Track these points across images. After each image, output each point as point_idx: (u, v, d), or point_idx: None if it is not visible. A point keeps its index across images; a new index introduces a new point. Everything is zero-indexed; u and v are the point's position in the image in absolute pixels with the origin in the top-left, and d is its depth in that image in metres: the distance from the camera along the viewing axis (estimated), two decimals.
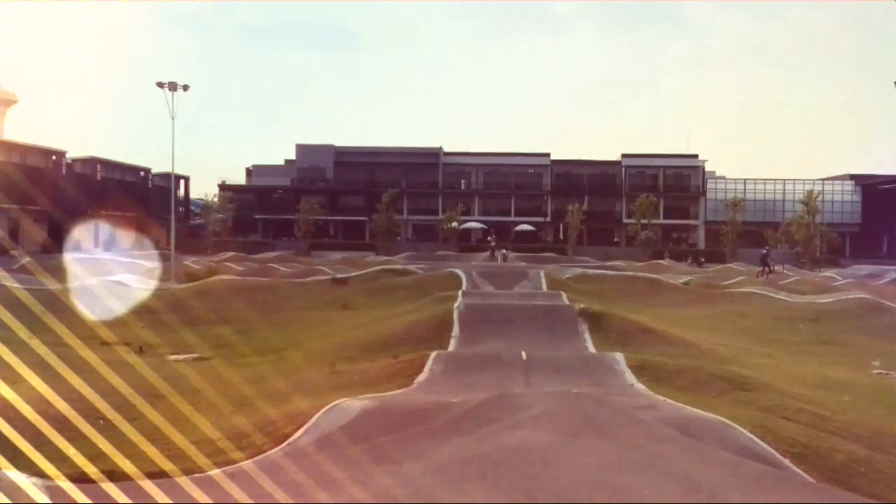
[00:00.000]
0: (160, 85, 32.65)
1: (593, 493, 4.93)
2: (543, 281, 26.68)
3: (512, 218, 67.88)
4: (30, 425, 8.32)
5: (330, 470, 5.99)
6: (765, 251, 39.06)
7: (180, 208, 56.77)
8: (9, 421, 8.16)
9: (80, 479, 6.81)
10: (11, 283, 23.77)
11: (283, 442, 7.62)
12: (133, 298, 21.88)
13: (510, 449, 5.87)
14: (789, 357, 15.55)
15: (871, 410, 10.67)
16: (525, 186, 70.06)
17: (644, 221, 59.08)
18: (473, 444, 6.18)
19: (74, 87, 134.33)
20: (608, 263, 42.61)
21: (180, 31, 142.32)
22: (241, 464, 7.07)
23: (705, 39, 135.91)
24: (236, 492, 5.72)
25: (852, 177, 69.72)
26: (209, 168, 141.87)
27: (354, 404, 8.55)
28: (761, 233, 62.42)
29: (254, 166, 72.44)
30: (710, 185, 69.28)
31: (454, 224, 60.41)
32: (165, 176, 54.91)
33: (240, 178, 71.56)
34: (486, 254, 49.17)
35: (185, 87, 33.01)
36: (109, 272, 28.98)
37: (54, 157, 49.47)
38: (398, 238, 62.33)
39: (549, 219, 68.21)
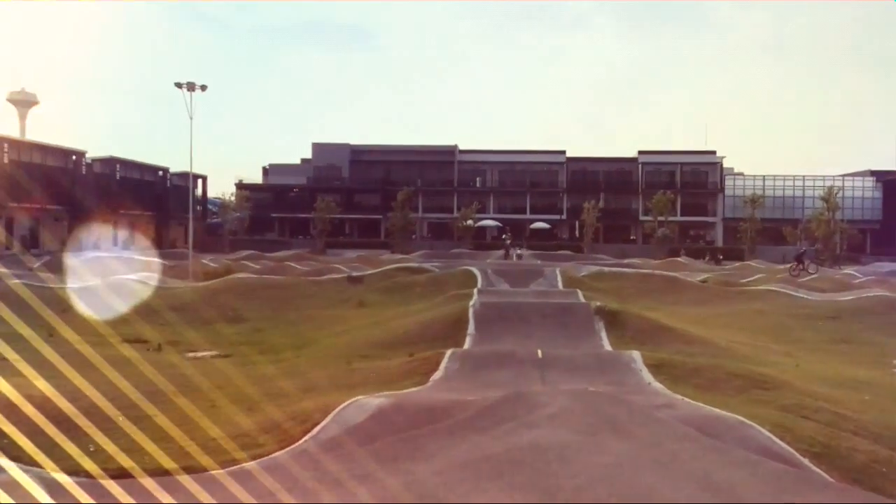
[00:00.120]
0: (178, 85, 32.88)
1: (611, 492, 4.91)
2: (559, 279, 26.60)
3: (527, 216, 67.67)
4: (52, 420, 8.46)
5: (348, 466, 6.02)
6: (802, 250, 38.54)
7: (198, 207, 57.15)
8: (31, 416, 8.30)
9: (102, 473, 6.90)
10: (33, 282, 24.14)
11: (301, 438, 7.67)
12: (151, 296, 22.12)
13: (527, 447, 5.86)
14: (808, 355, 15.38)
15: (893, 409, 10.52)
16: (540, 184, 69.80)
17: (661, 219, 58.59)
18: (490, 442, 6.18)
19: (94, 87, 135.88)
20: (624, 261, 42.35)
21: (198, 32, 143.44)
22: (261, 460, 7.13)
23: (723, 35, 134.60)
24: (256, 486, 5.77)
25: (873, 173, 68.71)
26: (226, 167, 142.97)
27: (371, 402, 8.59)
28: (780, 230, 61.74)
29: (270, 165, 72.86)
30: (728, 181, 68.60)
31: (469, 222, 60.32)
32: (183, 175, 55.32)
33: (257, 177, 72.02)
34: (502, 252, 49.09)
35: (203, 87, 33.22)
36: (128, 271, 29.32)
37: (74, 157, 50.00)
38: (413, 236, 62.37)
39: (564, 216, 67.92)
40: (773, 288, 26.35)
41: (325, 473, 6.06)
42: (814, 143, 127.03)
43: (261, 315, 19.97)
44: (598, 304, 17.81)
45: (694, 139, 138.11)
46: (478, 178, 70.50)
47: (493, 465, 5.49)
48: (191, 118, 33.17)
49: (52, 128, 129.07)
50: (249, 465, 7.01)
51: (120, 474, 6.90)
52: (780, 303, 23.07)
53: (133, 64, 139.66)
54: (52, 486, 6.16)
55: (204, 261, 36.47)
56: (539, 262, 39.95)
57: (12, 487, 5.71)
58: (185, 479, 6.43)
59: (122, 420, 9.03)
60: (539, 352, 12.55)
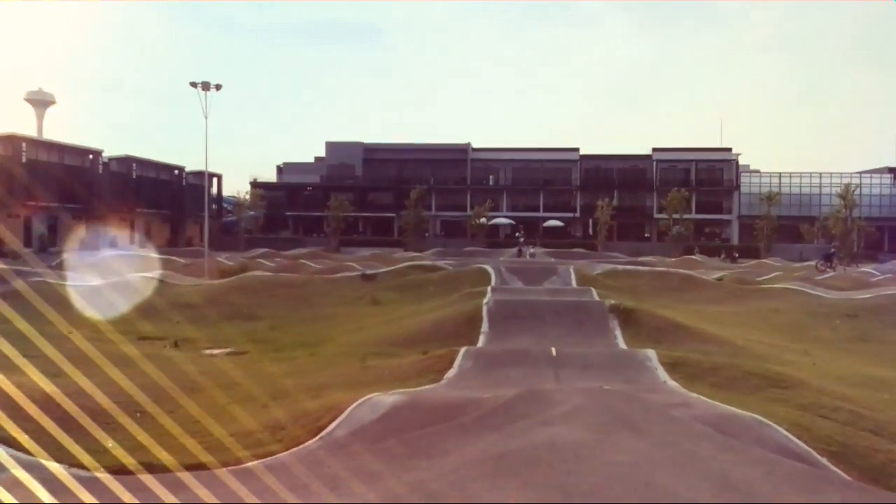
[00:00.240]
0: (193, 84, 33.10)
1: (628, 491, 4.89)
2: (573, 277, 26.50)
3: (541, 213, 67.47)
4: (69, 417, 8.55)
5: (363, 463, 6.04)
6: (832, 249, 38.07)
7: (213, 206, 57.59)
8: (49, 413, 8.40)
9: (120, 470, 6.97)
10: (51, 280, 24.43)
11: (316, 435, 7.71)
12: (168, 294, 22.31)
13: (542, 445, 5.84)
14: (826, 354, 15.22)
15: None
16: (554, 182, 69.58)
17: (676, 216, 58.17)
18: (504, 439, 6.17)
19: (109, 87, 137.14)
20: (639, 259, 42.13)
21: (213, 32, 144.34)
22: (276, 456, 7.17)
23: (738, 31, 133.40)
24: (272, 483, 5.80)
25: (890, 170, 67.81)
26: (241, 166, 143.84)
27: (385, 399, 8.61)
28: (797, 227, 61.13)
29: (284, 164, 73.20)
30: (744, 178, 67.98)
31: (482, 220, 60.28)
32: (199, 174, 55.77)
33: (271, 176, 72.45)
34: (515, 250, 48.99)
35: (218, 87, 33.43)
36: (145, 269, 29.59)
37: (91, 157, 50.53)
38: (426, 234, 62.42)
39: (578, 214, 67.66)
40: (790, 286, 26.08)
41: (339, 470, 6.08)
42: (830, 140, 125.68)
43: (275, 313, 20.08)
44: (613, 302, 17.73)
45: (709, 136, 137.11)
46: (491, 177, 70.40)
47: (508, 463, 5.48)
48: (206, 117, 33.42)
49: (68, 127, 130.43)
50: (264, 462, 7.05)
51: (120, 470, 6.98)
52: (797, 301, 22.84)
53: (149, 64, 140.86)
54: (65, 482, 6.22)
55: (219, 259, 36.72)
56: (553, 260, 39.82)
57: (31, 482, 5.77)
58: (196, 477, 6.47)
59: (134, 417, 9.12)
60: (553, 350, 12.52)
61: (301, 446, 7.44)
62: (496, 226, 64.13)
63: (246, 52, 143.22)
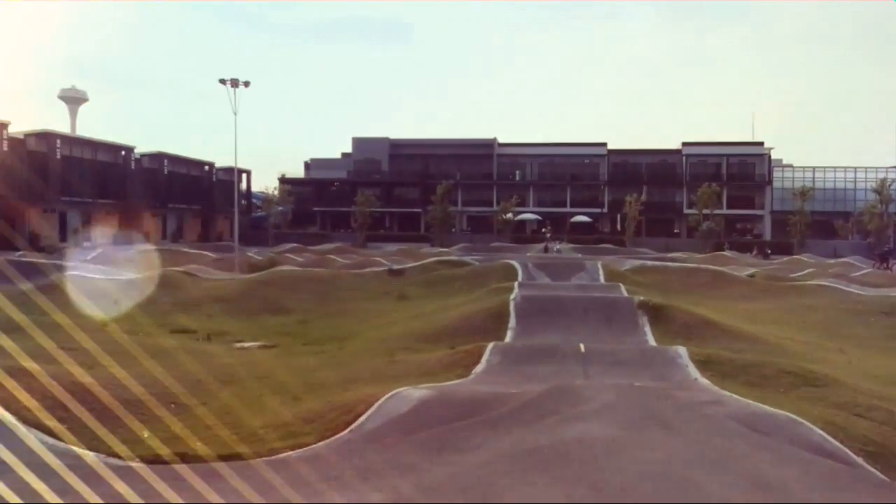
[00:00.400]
0: (223, 82, 33.51)
1: (659, 489, 4.84)
2: (601, 272, 26.30)
3: (567, 209, 67.02)
4: (105, 408, 8.75)
5: (392, 457, 6.08)
6: (889, 247, 37.17)
7: (242, 201, 58.26)
8: (85, 403, 8.60)
9: (154, 460, 7.10)
10: (85, 274, 24.98)
11: (346, 428, 7.77)
12: (199, 288, 22.68)
13: (572, 441, 5.82)
14: (861, 352, 14.90)
15: None
16: (581, 177, 69.01)
17: (706, 212, 57.28)
18: (534, 435, 6.16)
19: (140, 84, 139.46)
20: (668, 255, 41.67)
21: (242, 30, 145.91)
22: (308, 447, 7.25)
23: (770, 22, 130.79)
24: (300, 476, 5.87)
25: None
26: (270, 162, 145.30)
27: (414, 393, 8.65)
28: (831, 223, 59.84)
29: (312, 160, 73.76)
30: (776, 173, 66.68)
31: (509, 215, 60.08)
32: (228, 170, 56.44)
33: (299, 172, 73.03)
34: (542, 245, 48.77)
35: (247, 84, 33.80)
36: (176, 263, 30.10)
37: (123, 153, 51.45)
38: (453, 230, 62.44)
39: (605, 210, 67.05)
40: (825, 283, 25.57)
41: (369, 463, 6.13)
42: (865, 134, 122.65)
43: (304, 307, 20.28)
44: (642, 298, 17.56)
45: (740, 131, 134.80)
46: (517, 172, 70.12)
47: (538, 458, 5.47)
48: (235, 114, 33.83)
49: (101, 124, 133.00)
50: (295, 453, 7.14)
51: (172, 459, 7.09)
52: (832, 298, 22.38)
53: (179, 62, 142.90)
54: (100, 472, 6.35)
55: (249, 254, 37.18)
56: (580, 255, 39.57)
57: (67, 471, 5.90)
58: (230, 467, 6.57)
59: (168, 408, 9.29)
60: (581, 346, 12.45)
61: (332, 438, 7.52)
62: (523, 221, 63.88)
63: (274, 48, 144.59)
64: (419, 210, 65.76)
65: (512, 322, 15.48)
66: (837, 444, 7.20)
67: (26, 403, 8.01)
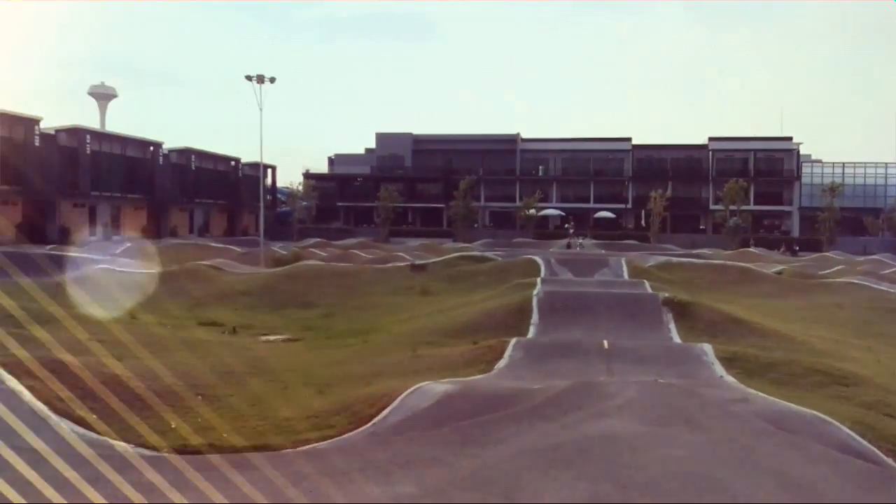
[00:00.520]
0: (249, 78, 33.77)
1: (685, 486, 4.81)
2: (625, 269, 26.10)
3: (591, 205, 66.50)
4: (135, 398, 8.92)
5: (417, 449, 6.12)
6: None
7: (268, 196, 58.76)
8: (116, 394, 8.79)
9: (183, 450, 7.23)
10: (115, 267, 25.45)
11: (369, 421, 7.84)
12: (226, 281, 22.98)
13: (596, 437, 5.81)
14: (891, 351, 14.61)
15: None
16: (605, 172, 68.42)
17: (733, 207, 56.43)
18: (558, 430, 6.16)
19: (168, 81, 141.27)
20: (694, 251, 41.17)
21: (267, 27, 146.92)
22: (331, 441, 7.33)
23: (798, 15, 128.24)
24: (326, 466, 5.94)
25: None
26: (294, 157, 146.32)
27: (437, 387, 8.69)
28: (861, 220, 58.64)
29: (336, 155, 74.13)
30: (805, 169, 65.46)
31: (532, 211, 59.81)
32: (254, 165, 56.90)
33: (323, 167, 73.46)
34: (565, 241, 48.50)
35: (272, 80, 34.01)
36: (204, 257, 30.51)
37: (152, 148, 52.15)
38: (475, 225, 62.34)
39: (630, 205, 66.42)
40: (854, 280, 25.11)
41: (393, 456, 6.18)
42: None
43: (328, 301, 20.44)
44: (667, 294, 17.40)
45: (768, 125, 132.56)
46: (540, 167, 69.73)
47: (562, 453, 5.47)
48: (260, 109, 34.08)
49: (130, 120, 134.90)
50: (320, 445, 7.22)
51: (199, 450, 7.22)
52: (862, 296, 21.98)
53: (206, 58, 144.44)
54: (131, 461, 6.48)
55: (274, 248, 37.52)
56: (603, 251, 39.29)
57: (98, 461, 6.03)
58: (258, 457, 6.67)
59: (200, 400, 9.45)
60: (605, 342, 12.39)
61: (356, 430, 7.59)
62: (545, 217, 63.56)
63: (299, 45, 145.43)
64: (442, 205, 65.75)
65: (534, 318, 15.45)
66: (866, 443, 7.09)
67: (58, 394, 8.19)
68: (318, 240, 48.65)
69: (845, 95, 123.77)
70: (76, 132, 45.39)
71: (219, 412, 8.87)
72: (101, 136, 49.15)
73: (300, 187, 64.16)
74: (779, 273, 28.22)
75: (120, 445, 7.23)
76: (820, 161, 66.97)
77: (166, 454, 6.98)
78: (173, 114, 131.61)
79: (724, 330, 14.61)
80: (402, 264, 27.95)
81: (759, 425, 6.69)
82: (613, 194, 67.41)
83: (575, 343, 12.71)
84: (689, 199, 65.79)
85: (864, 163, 65.04)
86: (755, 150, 66.26)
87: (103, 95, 75.72)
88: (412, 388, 8.56)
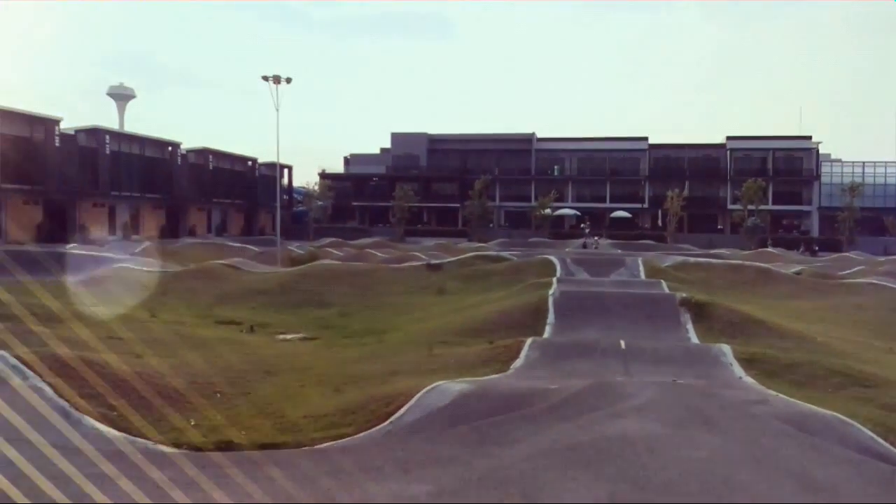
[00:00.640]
0: (265, 78, 33.92)
1: (704, 487, 4.77)
2: (641, 269, 25.93)
3: (607, 204, 66.15)
4: (152, 396, 9.01)
5: (433, 448, 6.12)
6: None
7: (284, 196, 59.10)
8: (132, 392, 8.88)
9: (199, 448, 7.29)
10: (135, 266, 25.71)
11: (386, 419, 7.85)
12: (243, 280, 23.14)
13: (614, 438, 5.77)
14: None
15: None
16: (621, 172, 68.03)
17: (751, 207, 55.85)
18: (575, 431, 6.13)
19: (185, 81, 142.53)
20: (711, 251, 40.84)
21: (283, 26, 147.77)
22: (349, 438, 7.36)
23: (818, 12, 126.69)
24: (343, 464, 5.95)
25: None
26: (310, 157, 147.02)
27: (453, 387, 8.69)
28: (882, 219, 57.83)
29: (351, 155, 74.41)
30: (824, 168, 64.63)
31: (547, 211, 59.62)
32: (270, 165, 57.29)
33: (338, 167, 73.78)
34: (581, 241, 48.30)
35: (289, 80, 34.14)
36: (221, 256, 30.74)
37: (170, 148, 52.63)
38: (491, 225, 62.27)
39: (646, 205, 65.98)
40: (875, 281, 24.76)
41: (410, 455, 6.19)
42: None
43: (344, 300, 20.51)
44: (684, 295, 17.27)
45: (787, 124, 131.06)
46: (556, 167, 69.47)
47: (580, 454, 5.44)
48: (277, 110, 34.25)
49: (148, 120, 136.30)
50: (338, 443, 7.25)
51: (217, 448, 7.27)
52: (882, 296, 21.66)
53: (222, 59, 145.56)
54: (154, 457, 6.53)
55: (290, 248, 37.72)
56: (619, 251, 39.07)
57: (116, 458, 6.10)
58: (276, 455, 6.71)
59: (217, 398, 9.52)
60: (622, 342, 12.33)
61: (373, 429, 7.61)
62: (561, 216, 63.31)
63: (316, 45, 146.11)
64: (457, 205, 65.75)
65: (550, 318, 15.40)
66: (888, 445, 7.00)
67: (76, 391, 8.29)
68: (334, 239, 48.84)
69: (865, 93, 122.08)
70: (96, 133, 45.92)
71: (236, 410, 8.94)
72: (120, 137, 49.68)
73: (316, 187, 64.46)
74: (798, 273, 27.89)
75: (139, 442, 7.30)
76: (840, 160, 66.12)
77: (181, 452, 7.04)
78: (191, 114, 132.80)
79: (743, 330, 14.47)
80: (417, 264, 27.97)
81: (779, 427, 6.62)
82: (630, 194, 67.01)
83: (591, 343, 12.65)
84: (706, 198, 65.25)
85: (885, 162, 64.11)
86: (774, 149, 65.55)
87: (122, 96, 76.67)
88: (428, 388, 8.56)
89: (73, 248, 31.11)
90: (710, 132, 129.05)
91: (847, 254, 44.27)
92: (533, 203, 62.87)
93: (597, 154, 68.73)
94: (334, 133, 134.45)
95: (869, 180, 62.04)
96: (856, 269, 31.80)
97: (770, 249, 45.70)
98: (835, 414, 7.65)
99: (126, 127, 65.61)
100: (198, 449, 7.22)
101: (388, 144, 72.56)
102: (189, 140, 62.16)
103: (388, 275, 24.92)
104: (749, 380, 10.00)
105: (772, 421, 6.81)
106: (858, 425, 7.36)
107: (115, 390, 8.71)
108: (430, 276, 25.18)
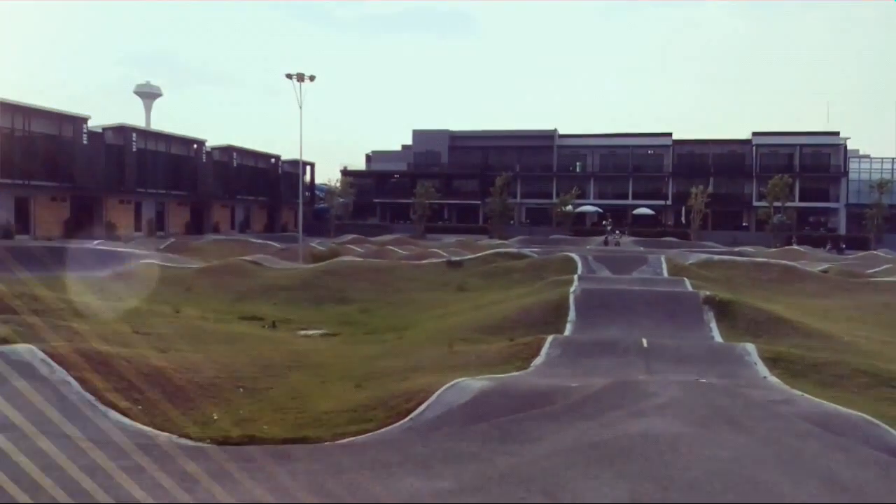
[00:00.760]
0: (289, 76, 34.11)
1: (728, 487, 4.72)
2: (664, 266, 25.66)
3: (630, 201, 65.60)
4: (177, 390, 9.14)
5: (454, 444, 6.13)
6: None
7: (306, 193, 59.51)
8: (158, 386, 9.02)
9: (224, 441, 7.37)
10: (160, 262, 26.07)
11: (407, 415, 7.88)
12: (266, 277, 23.35)
13: (637, 436, 5.73)
14: None
15: None
16: (644, 168, 67.44)
17: (777, 204, 54.97)
18: (597, 429, 6.10)
19: (212, 79, 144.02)
20: (736, 249, 40.29)
21: (307, 25, 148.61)
22: (369, 434, 7.40)
23: (845, 4, 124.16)
24: (365, 459, 5.99)
25: None
26: (332, 154, 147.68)
27: (473, 384, 8.68)
28: None
29: (373, 152, 74.70)
30: (852, 164, 63.42)
31: (569, 208, 59.30)
32: (293, 162, 57.68)
33: (360, 164, 74.10)
34: (602, 238, 47.97)
35: (312, 78, 34.29)
36: (244, 252, 31.05)
37: (195, 146, 53.28)
38: (511, 222, 62.10)
39: (669, 202, 65.31)
40: None
41: (431, 451, 6.20)
42: None
43: (365, 297, 20.60)
44: (708, 293, 17.07)
45: (814, 120, 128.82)
46: (578, 163, 69.07)
47: (602, 452, 5.41)
48: (300, 107, 34.42)
49: (174, 118, 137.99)
50: (359, 438, 7.29)
51: (240, 441, 7.35)
52: None
53: (247, 57, 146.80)
54: (177, 450, 6.62)
55: (312, 244, 37.98)
56: (641, 248, 38.72)
57: (146, 450, 6.18)
58: (298, 449, 6.77)
59: (241, 392, 9.63)
60: (644, 341, 12.22)
61: (394, 425, 7.64)
62: (582, 213, 62.93)
63: (339, 42, 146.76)
64: (478, 202, 65.68)
65: (571, 315, 15.32)
66: None
67: (103, 385, 8.42)
68: (355, 236, 49.07)
69: (895, 88, 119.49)
70: (123, 130, 46.62)
71: (259, 404, 9.03)
72: (146, 134, 50.39)
73: (338, 184, 64.79)
74: (824, 271, 27.43)
75: (161, 436, 7.40)
76: (868, 156, 64.85)
77: (207, 445, 7.12)
78: (214, 112, 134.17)
79: (767, 329, 14.28)
80: (438, 261, 28.00)
81: (804, 427, 6.53)
82: (653, 190, 66.39)
83: (613, 341, 12.57)
84: (731, 195, 64.42)
85: None
86: (801, 145, 64.49)
87: (148, 94, 77.66)
88: (449, 384, 8.57)
89: (99, 244, 31.65)
90: (735, 128, 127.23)
91: (875, 252, 43.44)
92: (554, 200, 62.56)
93: (619, 150, 68.18)
94: (356, 130, 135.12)
95: None
96: (883, 267, 31.21)
97: (796, 247, 45.02)
98: (861, 414, 7.52)
99: (152, 125, 66.43)
100: (221, 442, 7.30)
101: (409, 141, 72.73)
102: (213, 138, 62.79)
103: (409, 272, 24.98)
104: (774, 379, 9.87)
105: (797, 421, 6.71)
106: (886, 427, 7.23)
107: (141, 384, 8.85)
108: (451, 272, 25.19)
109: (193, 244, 37.36)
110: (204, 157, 53.70)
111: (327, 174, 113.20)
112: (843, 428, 6.99)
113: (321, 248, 36.03)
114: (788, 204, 56.19)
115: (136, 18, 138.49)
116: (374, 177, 71.66)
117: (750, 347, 11.59)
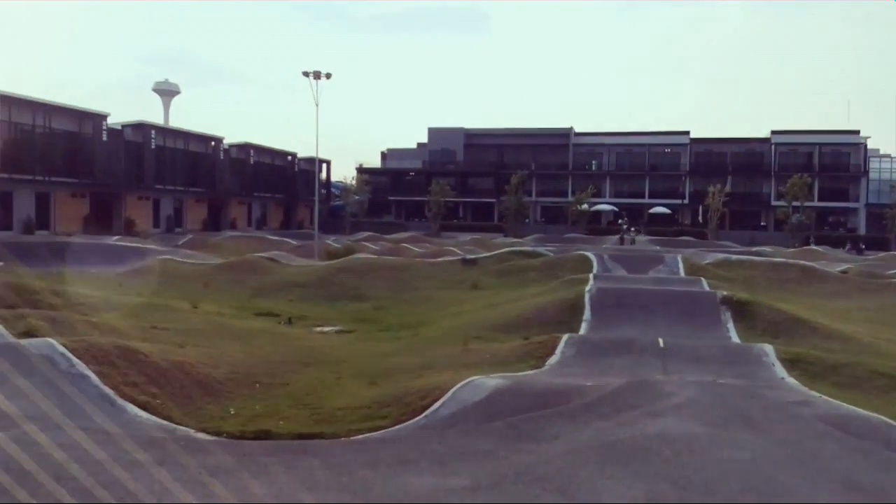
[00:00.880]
0: (305, 74, 34.28)
1: (746, 488, 4.68)
2: (681, 266, 25.48)
3: (646, 200, 65.14)
4: (194, 385, 9.23)
5: (469, 442, 6.13)
6: None
7: (322, 191, 59.73)
8: (176, 380, 9.11)
9: (240, 436, 7.44)
10: (177, 258, 26.33)
11: (421, 413, 7.90)
12: (282, 273, 23.50)
13: (653, 436, 5.70)
14: None
15: None
16: (661, 167, 66.92)
17: (796, 204, 54.33)
18: (613, 428, 6.07)
19: (229, 77, 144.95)
20: (753, 249, 39.90)
21: (323, 22, 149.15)
22: (384, 431, 7.42)
23: (865, 3, 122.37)
24: (379, 456, 6.01)
25: None
26: (348, 152, 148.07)
27: (488, 382, 8.68)
28: None
29: (388, 150, 74.83)
30: (873, 163, 62.51)
31: (584, 206, 59.05)
32: (309, 160, 57.90)
33: (376, 161, 74.28)
34: (618, 237, 47.72)
35: (328, 76, 34.45)
36: (261, 249, 31.26)
37: (213, 143, 53.64)
38: (527, 220, 61.94)
39: (686, 201, 64.78)
40: None
41: (447, 448, 6.21)
42: None
43: (380, 294, 20.66)
44: (725, 293, 16.92)
45: (835, 118, 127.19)
46: (594, 161, 68.70)
47: (618, 451, 5.39)
48: (316, 105, 34.60)
49: (192, 116, 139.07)
50: (374, 434, 7.31)
51: (256, 437, 7.41)
52: None
53: (264, 55, 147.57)
54: (195, 445, 6.69)
55: (328, 241, 38.16)
56: (658, 248, 38.46)
57: (163, 444, 6.26)
58: (313, 445, 6.80)
59: (258, 387, 9.70)
60: (660, 341, 12.15)
61: (407, 423, 7.66)
62: (598, 212, 62.63)
63: (354, 40, 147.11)
64: (493, 200, 65.60)
65: (587, 314, 15.26)
66: None
67: (121, 379, 8.52)
68: (370, 233, 49.18)
69: None
70: (141, 127, 47.06)
71: (275, 400, 9.10)
72: (164, 132, 50.81)
73: (353, 181, 65.00)
74: (843, 272, 27.09)
75: (180, 430, 7.47)
76: (889, 156, 63.88)
77: (224, 440, 7.18)
78: (231, 109, 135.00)
79: (786, 330, 14.14)
80: (453, 259, 28.00)
81: (822, 429, 6.46)
82: (669, 189, 65.88)
83: (629, 340, 12.50)
84: (749, 194, 63.77)
85: None
86: (820, 144, 63.67)
87: (167, 92, 78.28)
88: (464, 382, 8.57)
89: (118, 241, 32.01)
90: (753, 126, 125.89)
91: (895, 252, 42.85)
92: (570, 198, 62.29)
93: (636, 148, 67.74)
94: (372, 128, 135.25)
95: None
96: None
97: (815, 247, 44.50)
98: (880, 417, 7.43)
99: (171, 122, 67.01)
100: (237, 437, 7.37)
101: (424, 139, 72.77)
102: (230, 135, 63.20)
103: (424, 269, 25.00)
104: (792, 381, 9.77)
105: (815, 423, 6.64)
106: None
107: (158, 379, 8.95)
108: (466, 271, 25.19)
109: (211, 241, 37.68)
110: (221, 155, 54.07)
111: (343, 172, 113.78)
112: (862, 430, 6.90)
113: (337, 245, 36.17)
114: (807, 203, 55.52)
115: (155, 17, 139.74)
116: (389, 174, 71.77)
117: (768, 348, 11.48)
